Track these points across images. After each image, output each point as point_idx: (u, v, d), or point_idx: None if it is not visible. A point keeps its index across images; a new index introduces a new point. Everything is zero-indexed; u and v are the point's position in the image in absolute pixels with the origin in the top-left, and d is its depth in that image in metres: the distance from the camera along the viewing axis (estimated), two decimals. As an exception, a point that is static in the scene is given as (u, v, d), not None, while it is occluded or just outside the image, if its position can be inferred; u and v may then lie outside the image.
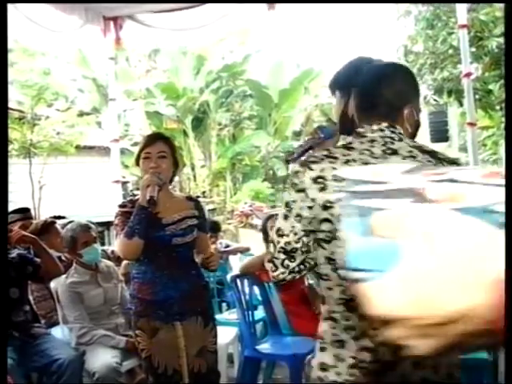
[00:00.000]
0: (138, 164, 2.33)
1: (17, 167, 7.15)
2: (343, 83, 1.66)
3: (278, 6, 5.10)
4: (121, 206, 2.30)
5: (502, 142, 12.14)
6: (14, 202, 4.94)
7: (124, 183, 10.22)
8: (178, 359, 2.23)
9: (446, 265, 0.35)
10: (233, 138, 18.84)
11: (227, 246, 5.15)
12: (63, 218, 4.95)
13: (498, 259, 0.34)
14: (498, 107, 8.99)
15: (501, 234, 0.36)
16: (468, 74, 4.90)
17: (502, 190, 0.40)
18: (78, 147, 8.55)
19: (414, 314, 0.37)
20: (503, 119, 11.09)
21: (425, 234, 0.35)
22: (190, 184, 17.21)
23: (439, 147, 19.44)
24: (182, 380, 2.24)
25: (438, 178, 0.43)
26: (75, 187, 9.19)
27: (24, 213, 3.83)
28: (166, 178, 2.29)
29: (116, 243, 2.28)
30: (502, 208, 0.39)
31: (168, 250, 2.23)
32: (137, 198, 2.29)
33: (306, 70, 17.11)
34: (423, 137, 15.12)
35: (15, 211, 3.81)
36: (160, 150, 2.27)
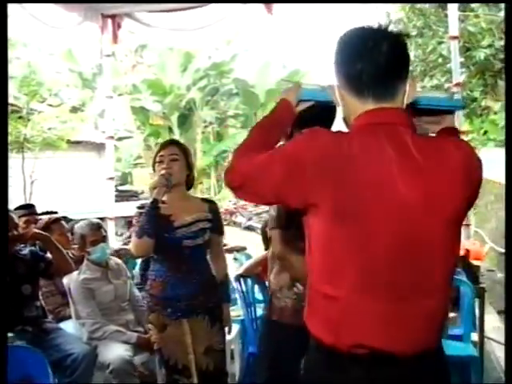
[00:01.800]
0: (153, 170, 2.43)
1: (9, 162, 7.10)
2: None
3: (275, 10, 5.20)
4: (139, 208, 2.38)
5: (481, 147, 12.50)
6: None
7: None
8: (186, 355, 2.30)
9: None
10: (217, 136, 18.90)
11: (224, 245, 5.24)
12: (55, 212, 4.98)
13: None
14: (480, 114, 9.26)
15: None
16: (458, 84, 5.09)
17: None
18: (66, 142, 8.53)
19: None
20: (483, 125, 11.43)
21: None
22: (175, 181, 17.24)
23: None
24: (191, 377, 2.31)
25: None
26: (63, 182, 9.15)
27: (28, 209, 3.87)
28: (177, 180, 2.36)
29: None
30: None
31: (179, 251, 2.32)
32: None
33: (293, 70, 17.26)
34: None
35: (20, 207, 3.85)
36: (172, 152, 2.38)
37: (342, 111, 1.25)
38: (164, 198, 2.32)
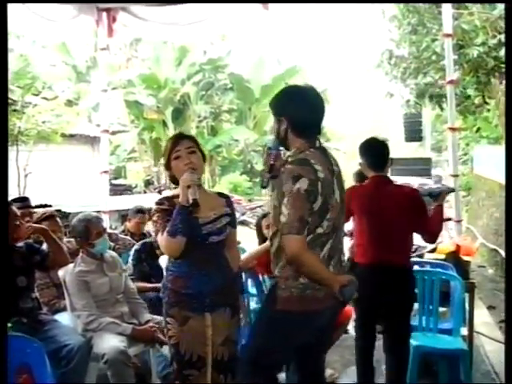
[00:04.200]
0: (168, 168, 2.34)
1: (2, 154, 7.07)
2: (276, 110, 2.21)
3: (271, 6, 5.21)
4: (158, 204, 2.33)
5: (474, 144, 12.58)
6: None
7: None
8: (203, 347, 2.30)
9: None
10: (211, 131, 18.90)
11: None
12: (49, 206, 4.97)
13: None
14: (473, 111, 9.30)
15: None
16: (451, 82, 5.14)
17: None
18: (61, 135, 8.50)
19: None
20: (477, 122, 11.50)
21: None
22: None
23: (412, 147, 19.49)
24: (205, 367, 2.31)
25: None
26: (57, 175, 9.13)
27: (23, 202, 3.89)
28: (201, 173, 2.32)
29: (159, 240, 2.30)
30: None
31: (204, 247, 2.29)
32: (172, 195, 2.34)
33: (289, 67, 17.26)
34: (398, 136, 15.46)
35: (14, 200, 3.86)
36: (188, 145, 2.30)
37: (363, 171, 3.17)
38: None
